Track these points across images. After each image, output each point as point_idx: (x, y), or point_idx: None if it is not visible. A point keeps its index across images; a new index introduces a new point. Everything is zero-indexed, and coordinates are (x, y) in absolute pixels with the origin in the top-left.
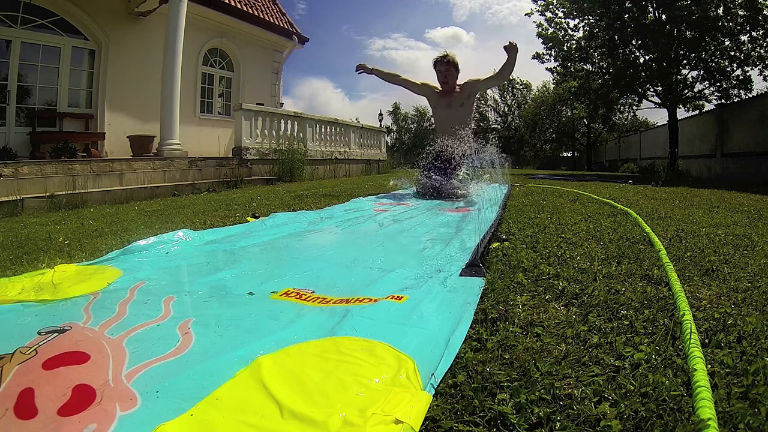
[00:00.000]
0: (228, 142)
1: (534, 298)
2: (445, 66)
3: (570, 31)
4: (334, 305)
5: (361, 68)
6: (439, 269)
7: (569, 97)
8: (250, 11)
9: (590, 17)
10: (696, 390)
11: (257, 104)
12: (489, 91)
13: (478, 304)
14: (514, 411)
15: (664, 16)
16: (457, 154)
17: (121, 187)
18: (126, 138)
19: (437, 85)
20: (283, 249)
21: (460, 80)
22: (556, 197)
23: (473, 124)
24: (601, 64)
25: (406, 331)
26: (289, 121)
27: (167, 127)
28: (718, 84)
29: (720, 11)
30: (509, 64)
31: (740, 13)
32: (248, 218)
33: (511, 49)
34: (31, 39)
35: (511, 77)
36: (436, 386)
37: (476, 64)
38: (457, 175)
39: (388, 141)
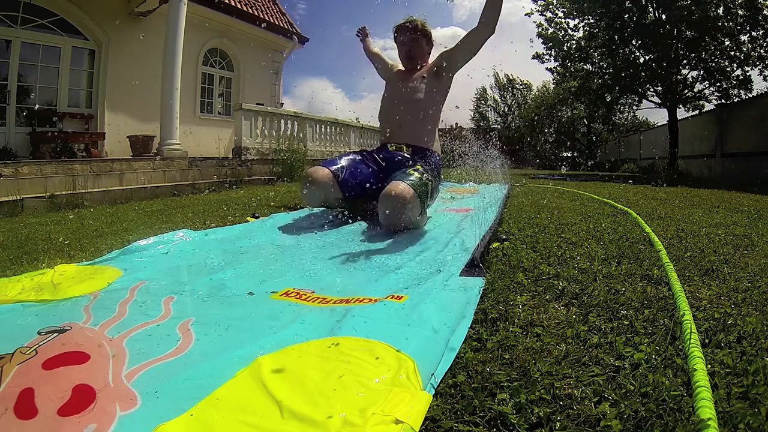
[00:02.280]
0: (228, 142)
1: (534, 298)
2: (411, 35)
3: (570, 31)
4: (334, 305)
5: (361, 33)
6: (439, 269)
7: (569, 97)
8: (250, 11)
9: (590, 17)
10: (696, 390)
11: (257, 104)
12: (489, 91)
13: (478, 304)
14: (514, 411)
15: (664, 16)
16: (406, 151)
17: (121, 187)
18: (126, 138)
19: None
20: (283, 249)
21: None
22: (556, 197)
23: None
24: (601, 64)
25: (406, 331)
26: (289, 121)
27: (167, 127)
28: (718, 84)
29: (720, 11)
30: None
31: (740, 13)
32: (248, 218)
33: None
34: (31, 39)
35: (513, 81)
36: (436, 386)
37: (476, 64)
38: (408, 175)
39: None
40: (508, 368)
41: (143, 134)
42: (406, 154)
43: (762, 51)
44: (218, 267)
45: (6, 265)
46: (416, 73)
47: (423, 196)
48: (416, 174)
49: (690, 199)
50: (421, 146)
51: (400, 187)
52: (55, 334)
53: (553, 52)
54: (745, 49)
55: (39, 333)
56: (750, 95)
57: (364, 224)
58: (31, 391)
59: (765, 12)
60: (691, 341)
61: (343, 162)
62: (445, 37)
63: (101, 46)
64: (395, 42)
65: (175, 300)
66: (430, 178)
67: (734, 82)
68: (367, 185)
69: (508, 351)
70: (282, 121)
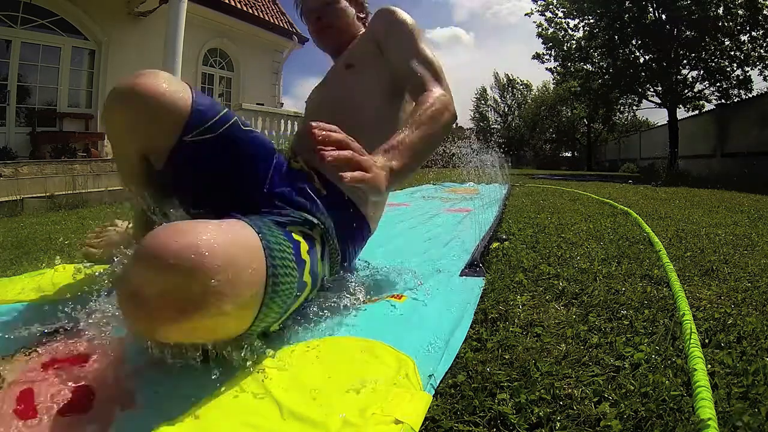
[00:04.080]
0: None
1: (534, 298)
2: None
3: (570, 31)
4: (334, 305)
5: None
6: (438, 269)
7: (569, 97)
8: (250, 11)
9: (590, 17)
10: (696, 390)
11: (257, 104)
12: (489, 91)
13: (478, 304)
14: (514, 411)
15: (664, 16)
16: (317, 185)
17: (122, 187)
18: None
19: None
20: None
21: None
22: (556, 197)
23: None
24: (601, 64)
25: (406, 331)
26: (289, 121)
27: None
28: (718, 84)
29: (720, 11)
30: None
31: (740, 13)
32: None
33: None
34: (31, 39)
35: (513, 81)
36: (436, 386)
37: (476, 64)
38: (278, 228)
39: None
40: (508, 368)
41: None
42: (316, 187)
43: (762, 51)
44: None
45: (6, 265)
46: (342, 54)
47: (282, 295)
48: (300, 240)
49: (690, 199)
50: (342, 192)
51: (232, 247)
52: (55, 334)
53: (553, 52)
54: (745, 49)
55: (39, 333)
56: (750, 95)
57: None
58: (31, 391)
59: (765, 12)
60: (691, 341)
61: (224, 110)
62: (445, 36)
63: (101, 46)
64: (302, 19)
65: None
66: (324, 267)
67: (734, 82)
68: (222, 179)
69: (508, 351)
70: (282, 121)
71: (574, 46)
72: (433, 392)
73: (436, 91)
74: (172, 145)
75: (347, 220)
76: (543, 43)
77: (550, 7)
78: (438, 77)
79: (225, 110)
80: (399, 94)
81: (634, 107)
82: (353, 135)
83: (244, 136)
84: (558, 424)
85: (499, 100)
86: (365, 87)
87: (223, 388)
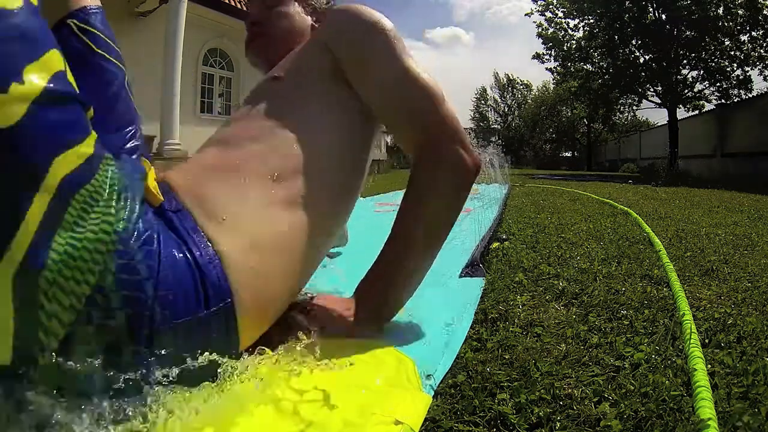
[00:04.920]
0: None
1: (534, 298)
2: None
3: (570, 31)
4: None
5: None
6: (438, 269)
7: (569, 97)
8: None
9: (590, 17)
10: (696, 390)
11: None
12: (489, 91)
13: (478, 304)
14: (514, 411)
15: (664, 16)
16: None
17: None
18: None
19: None
20: None
21: None
22: (556, 197)
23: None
24: (601, 64)
25: (407, 331)
26: None
27: (167, 126)
28: (718, 84)
29: (720, 11)
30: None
31: (740, 13)
32: None
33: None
34: None
35: (513, 81)
36: (435, 386)
37: (476, 64)
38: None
39: (389, 141)
40: (508, 368)
41: (143, 134)
42: (146, 184)
43: (762, 51)
44: None
45: None
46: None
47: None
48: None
49: (690, 199)
50: (188, 206)
51: None
52: None
53: (553, 52)
54: (745, 49)
55: None
56: (750, 95)
57: (374, 221)
58: None
59: (765, 12)
60: (691, 341)
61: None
62: (445, 36)
63: None
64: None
65: None
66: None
67: (734, 82)
68: None
69: (508, 351)
70: None
71: (574, 46)
72: (433, 392)
73: (442, 166)
74: (57, 19)
75: (182, 286)
76: (543, 43)
77: (550, 7)
78: (436, 116)
79: (120, 56)
80: (364, 123)
81: (634, 107)
82: (222, 144)
83: (121, 92)
84: (558, 424)
85: (499, 100)
86: (298, 103)
87: (221, 389)
